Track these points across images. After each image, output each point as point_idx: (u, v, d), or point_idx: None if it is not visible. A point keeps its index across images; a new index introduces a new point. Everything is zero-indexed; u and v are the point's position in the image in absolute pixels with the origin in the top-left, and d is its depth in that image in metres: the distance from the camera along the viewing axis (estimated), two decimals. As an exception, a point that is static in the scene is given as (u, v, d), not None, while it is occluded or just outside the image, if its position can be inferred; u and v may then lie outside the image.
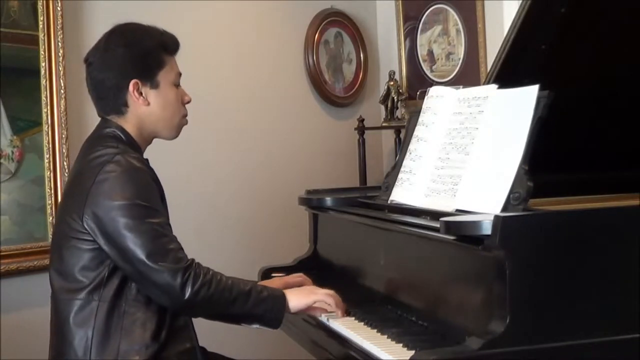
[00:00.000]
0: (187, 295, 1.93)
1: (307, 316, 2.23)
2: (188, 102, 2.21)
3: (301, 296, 2.12)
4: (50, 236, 3.06)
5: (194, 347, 2.09)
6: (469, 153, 2.05)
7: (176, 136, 2.22)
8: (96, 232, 1.96)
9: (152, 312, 1.99)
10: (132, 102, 2.11)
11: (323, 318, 2.15)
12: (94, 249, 1.98)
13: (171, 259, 1.94)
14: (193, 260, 1.99)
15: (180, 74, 2.19)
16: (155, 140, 2.22)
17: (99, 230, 1.96)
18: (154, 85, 2.12)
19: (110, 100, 2.11)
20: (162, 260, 1.93)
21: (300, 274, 2.38)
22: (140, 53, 2.11)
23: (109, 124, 2.12)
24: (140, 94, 2.10)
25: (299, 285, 2.32)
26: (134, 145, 2.11)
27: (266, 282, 2.39)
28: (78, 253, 1.99)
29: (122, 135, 2.10)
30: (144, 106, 2.11)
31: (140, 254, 1.92)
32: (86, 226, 1.97)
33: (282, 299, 2.07)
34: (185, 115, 2.21)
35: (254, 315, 2.04)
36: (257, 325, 2.08)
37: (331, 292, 2.16)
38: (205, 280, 1.95)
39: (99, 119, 2.17)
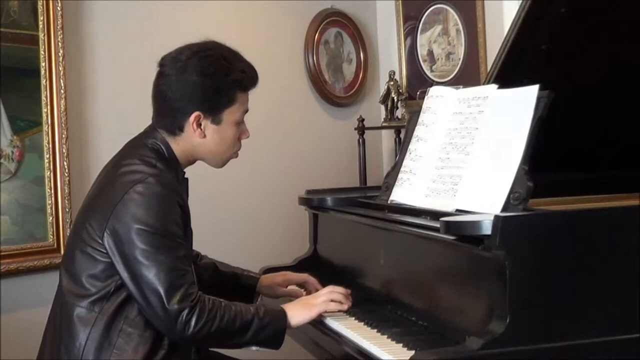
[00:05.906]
0: (189, 332, 1.90)
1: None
2: (246, 138, 2.15)
3: (303, 312, 2.08)
4: (51, 236, 3.08)
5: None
6: (469, 153, 2.05)
7: (221, 167, 2.17)
8: (113, 249, 1.92)
9: (149, 335, 1.95)
10: (188, 131, 2.05)
11: (322, 317, 2.16)
12: (106, 262, 1.94)
13: (181, 295, 1.89)
14: (201, 294, 1.94)
15: (247, 111, 2.12)
16: None
17: (116, 249, 1.92)
18: (216, 121, 2.06)
19: (168, 119, 2.06)
20: (171, 294, 1.88)
21: (306, 275, 2.40)
22: (213, 87, 2.04)
23: (156, 135, 2.07)
24: (199, 125, 2.05)
25: (302, 282, 2.36)
26: (173, 163, 2.06)
27: (269, 277, 2.43)
28: (91, 260, 1.95)
29: (164, 151, 2.05)
30: (199, 138, 2.06)
31: (152, 283, 1.89)
32: (105, 242, 1.93)
33: (284, 322, 2.03)
34: (238, 150, 2.15)
35: (255, 342, 2.01)
36: (257, 348, 2.04)
37: (330, 294, 2.14)
38: (210, 318, 1.91)
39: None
